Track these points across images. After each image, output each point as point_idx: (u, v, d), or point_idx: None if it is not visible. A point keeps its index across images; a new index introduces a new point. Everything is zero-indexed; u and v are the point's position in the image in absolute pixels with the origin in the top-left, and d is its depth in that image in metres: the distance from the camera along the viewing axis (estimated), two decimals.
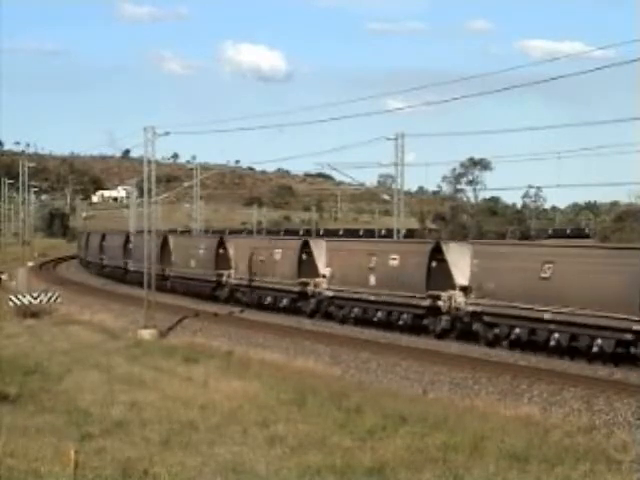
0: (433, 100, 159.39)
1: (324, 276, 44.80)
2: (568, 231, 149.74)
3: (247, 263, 50.89)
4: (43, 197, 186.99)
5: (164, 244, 60.26)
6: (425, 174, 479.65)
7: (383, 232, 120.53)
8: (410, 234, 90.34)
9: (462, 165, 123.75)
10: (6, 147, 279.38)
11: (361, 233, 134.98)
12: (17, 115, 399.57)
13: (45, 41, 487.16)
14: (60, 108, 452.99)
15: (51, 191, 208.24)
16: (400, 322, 39.25)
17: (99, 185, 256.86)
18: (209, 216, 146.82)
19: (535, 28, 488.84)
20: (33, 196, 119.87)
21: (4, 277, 68.53)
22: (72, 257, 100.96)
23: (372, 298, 40.78)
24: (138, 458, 17.43)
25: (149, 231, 46.33)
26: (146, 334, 40.80)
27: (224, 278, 53.14)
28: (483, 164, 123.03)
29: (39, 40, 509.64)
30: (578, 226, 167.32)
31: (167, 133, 43.98)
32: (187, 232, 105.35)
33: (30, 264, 76.57)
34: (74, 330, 42.71)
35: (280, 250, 48.52)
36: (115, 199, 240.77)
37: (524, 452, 18.41)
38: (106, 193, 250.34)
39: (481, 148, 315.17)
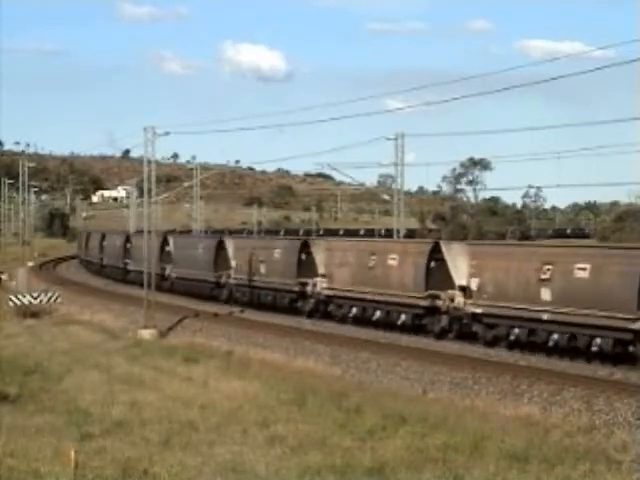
0: (433, 100, 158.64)
1: (463, 288, 37.27)
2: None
3: (346, 270, 44.13)
4: (43, 197, 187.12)
5: (219, 247, 55.32)
6: (425, 174, 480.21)
7: (382, 232, 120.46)
8: (410, 234, 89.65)
9: (462, 165, 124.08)
10: (6, 147, 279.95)
11: (362, 232, 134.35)
12: (17, 115, 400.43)
13: (45, 41, 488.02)
14: (60, 108, 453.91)
15: (51, 191, 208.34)
16: (593, 348, 31.69)
17: (99, 185, 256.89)
18: (209, 216, 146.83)
19: (535, 28, 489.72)
20: (33, 196, 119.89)
21: (4, 277, 68.60)
22: (72, 257, 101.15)
23: (546, 317, 33.28)
24: (138, 458, 17.43)
25: (149, 231, 46.37)
26: (146, 334, 40.83)
27: (309, 287, 46.36)
28: (483, 164, 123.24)
29: (39, 40, 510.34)
30: (579, 226, 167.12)
31: (167, 133, 44.10)
32: (249, 233, 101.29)
33: (30, 264, 76.63)
34: (74, 330, 42.75)
35: (397, 255, 40.83)
36: (115, 199, 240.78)
37: (524, 452, 18.39)
38: (106, 193, 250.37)
39: (481, 148, 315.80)
